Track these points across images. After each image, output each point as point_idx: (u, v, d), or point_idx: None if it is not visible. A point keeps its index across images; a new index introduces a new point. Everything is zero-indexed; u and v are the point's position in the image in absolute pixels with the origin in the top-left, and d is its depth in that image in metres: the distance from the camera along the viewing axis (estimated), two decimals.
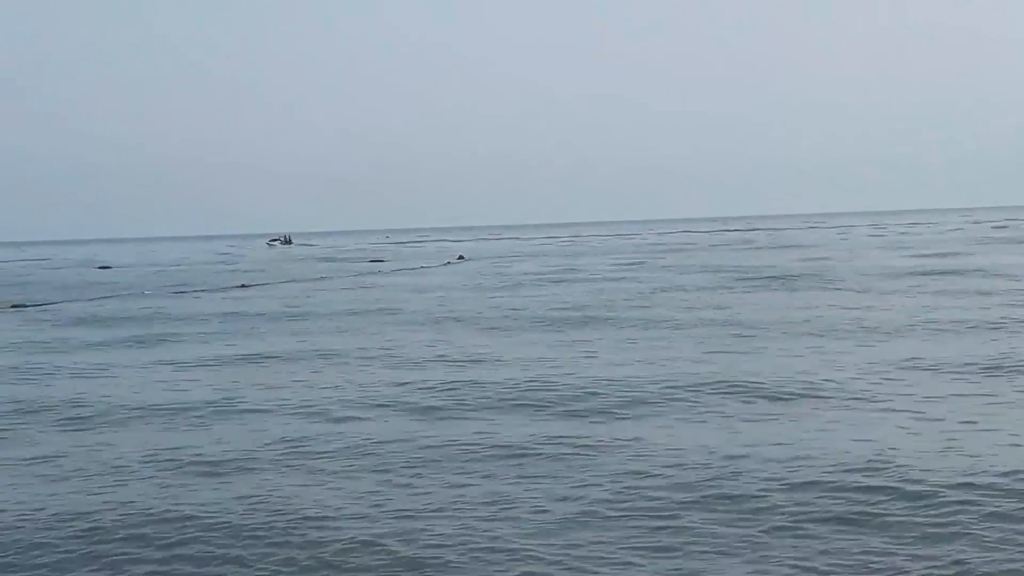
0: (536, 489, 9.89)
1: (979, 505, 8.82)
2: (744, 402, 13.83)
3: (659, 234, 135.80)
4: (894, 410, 12.94)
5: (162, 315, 31.85)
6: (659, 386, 14.98)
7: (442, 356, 19.60)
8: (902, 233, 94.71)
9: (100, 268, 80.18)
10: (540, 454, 11.20)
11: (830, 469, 10.04)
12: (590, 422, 12.93)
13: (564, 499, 9.50)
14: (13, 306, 39.29)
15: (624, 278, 41.96)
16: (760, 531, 8.47)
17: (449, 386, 15.73)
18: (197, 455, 11.82)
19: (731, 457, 10.69)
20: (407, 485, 10.22)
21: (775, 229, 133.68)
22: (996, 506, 8.78)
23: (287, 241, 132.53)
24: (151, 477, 10.94)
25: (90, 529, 9.09)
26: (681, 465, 10.47)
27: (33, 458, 12.05)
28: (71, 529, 9.10)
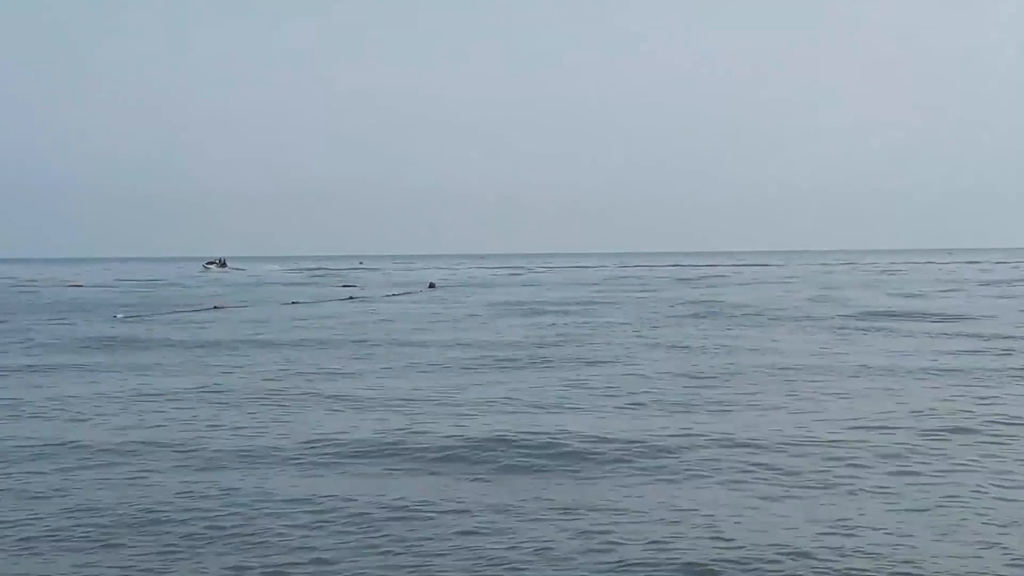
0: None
1: None
2: (717, 458, 12.91)
3: (629, 267, 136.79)
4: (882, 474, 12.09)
5: (140, 338, 32.09)
6: (618, 442, 13.88)
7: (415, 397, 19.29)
8: (882, 272, 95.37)
9: (72, 286, 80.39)
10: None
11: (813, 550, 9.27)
12: (553, 482, 12.01)
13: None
14: None
15: (597, 311, 42.53)
16: None
17: (406, 433, 14.70)
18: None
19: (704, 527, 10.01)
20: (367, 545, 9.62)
21: (749, 265, 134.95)
22: None
23: (222, 264, 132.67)
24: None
25: None
26: (645, 536, 9.75)
27: None
28: None
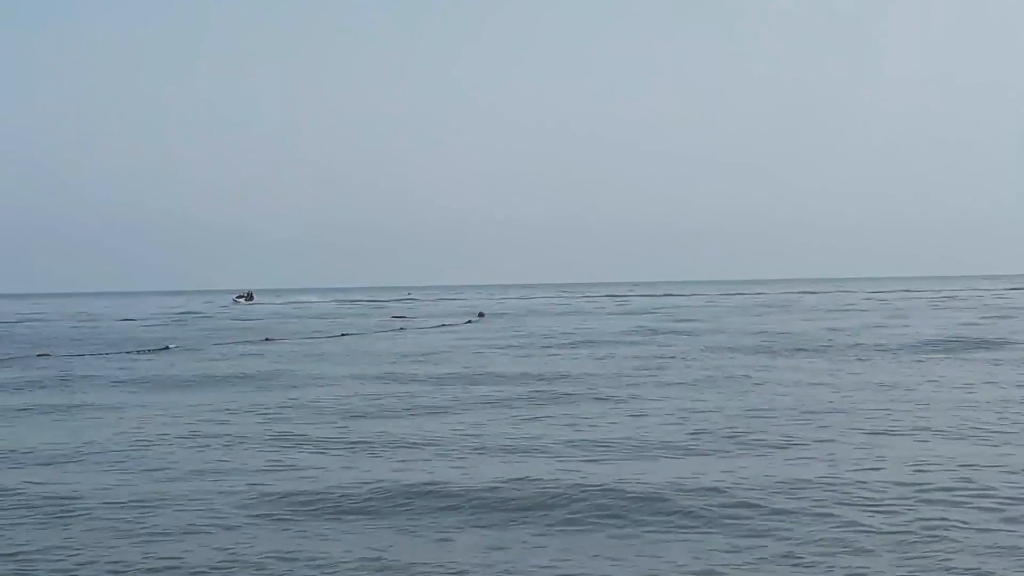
0: None
1: None
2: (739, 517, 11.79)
3: (674, 295, 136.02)
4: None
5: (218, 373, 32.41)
6: (704, 490, 13.02)
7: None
8: (946, 298, 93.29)
9: (122, 321, 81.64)
10: None
11: None
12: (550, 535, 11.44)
13: None
14: (40, 355, 40.44)
15: (647, 342, 42.35)
16: None
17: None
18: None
19: None
20: None
21: (803, 293, 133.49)
22: None
23: (249, 297, 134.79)
24: None
25: None
26: None
27: None
28: None
